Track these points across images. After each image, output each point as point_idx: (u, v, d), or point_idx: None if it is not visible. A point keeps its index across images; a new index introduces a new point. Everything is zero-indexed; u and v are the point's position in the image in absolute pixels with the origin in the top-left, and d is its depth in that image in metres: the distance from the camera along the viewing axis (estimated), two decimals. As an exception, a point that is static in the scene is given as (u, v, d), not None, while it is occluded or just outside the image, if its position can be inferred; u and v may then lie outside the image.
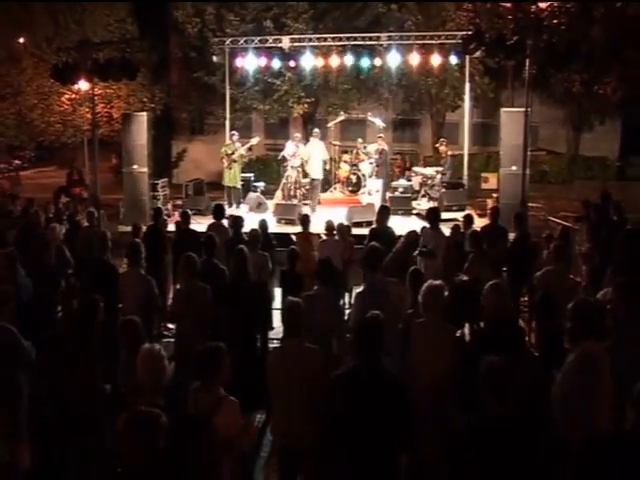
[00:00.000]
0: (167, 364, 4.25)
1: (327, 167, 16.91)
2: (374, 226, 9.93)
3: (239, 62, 17.91)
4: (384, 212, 9.72)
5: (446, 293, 5.60)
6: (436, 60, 17.29)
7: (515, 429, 3.61)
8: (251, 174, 18.85)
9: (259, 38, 17.83)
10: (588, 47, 21.11)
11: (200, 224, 11.89)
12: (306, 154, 16.09)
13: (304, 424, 4.63)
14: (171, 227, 11.67)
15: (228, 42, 18.13)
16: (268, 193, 17.71)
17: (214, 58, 18.96)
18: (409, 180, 17.77)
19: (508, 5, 23.32)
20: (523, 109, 13.99)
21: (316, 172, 15.87)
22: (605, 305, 5.26)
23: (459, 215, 12.74)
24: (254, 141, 17.65)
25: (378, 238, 8.16)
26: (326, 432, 4.20)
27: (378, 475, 4.00)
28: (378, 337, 4.20)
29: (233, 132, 17.24)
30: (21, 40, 25.40)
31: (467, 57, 17.27)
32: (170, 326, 8.39)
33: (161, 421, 3.37)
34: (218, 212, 10.22)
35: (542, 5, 22.75)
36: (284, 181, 16.63)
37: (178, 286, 7.58)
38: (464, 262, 8.37)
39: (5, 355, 5.22)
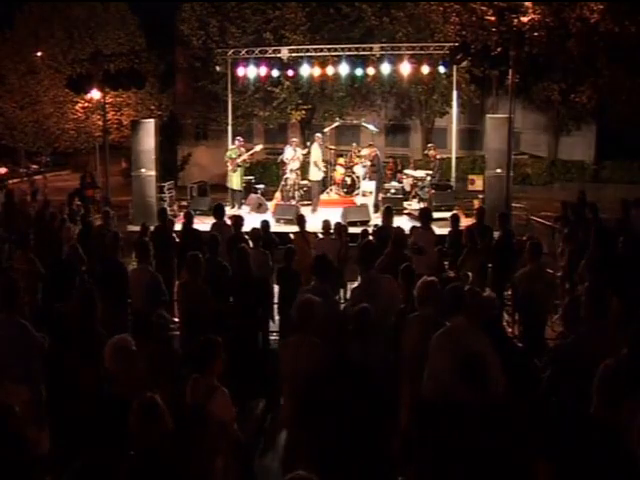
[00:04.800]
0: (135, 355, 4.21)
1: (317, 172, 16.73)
2: (380, 225, 9.87)
3: (240, 71, 17.81)
4: (388, 212, 9.69)
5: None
6: (425, 69, 17.26)
7: (478, 415, 3.62)
8: (252, 177, 18.79)
9: (259, 49, 17.77)
10: (565, 59, 21.18)
11: (204, 224, 11.82)
12: (313, 156, 15.88)
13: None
14: (178, 227, 11.54)
15: (230, 53, 18.06)
16: (268, 195, 17.64)
17: (217, 68, 18.85)
18: (400, 182, 17.70)
19: (492, 19, 23.35)
20: (507, 115, 14.00)
21: (314, 174, 15.81)
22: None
23: (447, 215, 12.69)
24: (257, 148, 17.63)
25: (382, 236, 8.20)
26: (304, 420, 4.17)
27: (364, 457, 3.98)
28: (364, 327, 4.16)
29: (238, 137, 17.16)
30: (39, 54, 25.37)
31: (454, 67, 17.23)
32: (175, 320, 8.33)
33: (159, 405, 3.37)
34: (219, 212, 10.13)
35: (524, 19, 22.79)
36: (283, 183, 16.56)
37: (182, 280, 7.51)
38: (456, 257, 8.38)
39: (20, 347, 5.16)
